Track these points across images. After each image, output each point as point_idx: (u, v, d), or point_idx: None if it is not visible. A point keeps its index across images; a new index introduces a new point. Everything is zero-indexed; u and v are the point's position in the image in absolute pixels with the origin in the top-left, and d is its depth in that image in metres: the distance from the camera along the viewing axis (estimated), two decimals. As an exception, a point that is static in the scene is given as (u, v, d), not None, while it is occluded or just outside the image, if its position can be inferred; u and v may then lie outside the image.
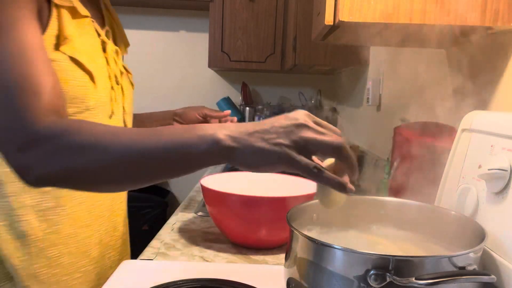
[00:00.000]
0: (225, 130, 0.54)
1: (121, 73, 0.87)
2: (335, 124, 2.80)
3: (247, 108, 2.90)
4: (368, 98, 1.83)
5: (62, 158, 0.56)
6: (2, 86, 0.59)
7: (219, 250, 0.92)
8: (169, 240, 0.97)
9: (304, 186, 1.00)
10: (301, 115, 0.55)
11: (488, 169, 0.62)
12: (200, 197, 1.35)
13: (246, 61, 2.73)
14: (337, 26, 0.84)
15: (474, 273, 0.52)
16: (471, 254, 0.53)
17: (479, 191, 0.66)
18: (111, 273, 0.79)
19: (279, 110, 2.96)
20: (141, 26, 3.01)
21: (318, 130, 0.54)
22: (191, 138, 0.54)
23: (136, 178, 0.58)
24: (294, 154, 0.52)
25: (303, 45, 2.12)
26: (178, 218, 1.13)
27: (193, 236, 1.00)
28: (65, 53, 0.71)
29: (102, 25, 0.86)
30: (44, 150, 0.56)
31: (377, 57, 1.84)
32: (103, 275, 0.86)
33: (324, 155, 0.55)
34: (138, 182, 0.58)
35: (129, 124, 0.92)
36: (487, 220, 0.63)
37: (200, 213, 1.17)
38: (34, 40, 0.64)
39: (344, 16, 0.78)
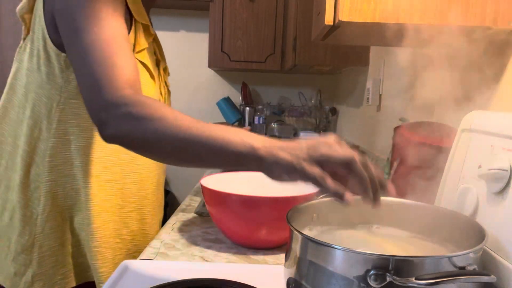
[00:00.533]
0: (264, 142, 0.62)
1: (164, 86, 1.04)
2: (335, 124, 2.80)
3: (247, 108, 2.90)
4: (368, 98, 1.83)
5: (130, 122, 0.68)
6: (98, 60, 0.75)
7: (219, 250, 0.92)
8: (169, 240, 0.97)
9: (301, 187, 1.00)
10: (330, 138, 0.62)
11: (488, 169, 0.62)
12: (200, 197, 1.35)
13: (246, 61, 2.73)
14: (337, 26, 0.84)
15: (474, 273, 0.52)
16: (471, 254, 0.53)
17: (479, 191, 0.66)
18: (143, 249, 0.93)
19: (279, 110, 2.97)
20: (141, 26, 3.01)
21: (337, 148, 0.60)
22: (236, 139, 0.63)
23: (180, 157, 0.69)
24: (304, 164, 0.59)
25: (303, 45, 2.12)
26: (178, 218, 1.13)
27: (193, 236, 1.00)
28: (138, 59, 0.90)
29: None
30: (118, 113, 0.69)
31: (377, 57, 1.84)
32: (138, 248, 0.99)
33: (334, 168, 0.60)
34: (181, 161, 0.70)
35: None
36: (487, 220, 0.63)
37: (200, 213, 1.17)
38: (123, 31, 0.79)
39: (344, 16, 0.78)
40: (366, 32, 0.90)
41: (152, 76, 0.95)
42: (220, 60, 2.72)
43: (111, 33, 0.77)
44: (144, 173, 0.98)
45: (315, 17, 1.06)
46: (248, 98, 3.00)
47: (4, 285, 0.91)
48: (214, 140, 0.64)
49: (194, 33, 3.07)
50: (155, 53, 1.02)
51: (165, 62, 1.11)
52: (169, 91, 1.11)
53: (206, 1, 2.70)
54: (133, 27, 0.90)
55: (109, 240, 0.93)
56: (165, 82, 1.06)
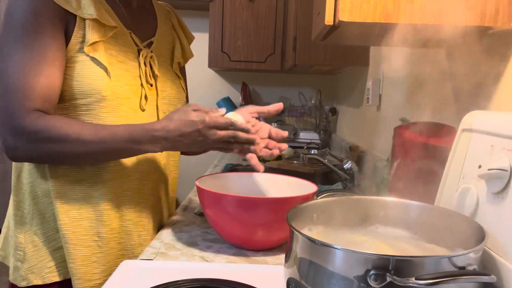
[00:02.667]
0: (160, 144, 0.89)
1: (156, 76, 1.05)
2: (335, 124, 2.80)
3: (247, 108, 2.90)
4: (368, 98, 1.83)
5: (37, 147, 0.87)
6: (7, 87, 0.86)
7: (219, 250, 0.92)
8: (169, 240, 0.97)
9: (302, 187, 0.99)
10: (203, 132, 0.88)
11: (488, 169, 0.62)
12: (200, 197, 1.35)
13: (246, 61, 2.73)
14: (337, 26, 0.84)
15: (474, 273, 0.52)
16: (471, 254, 0.53)
17: (479, 191, 0.66)
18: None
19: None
20: (141, 26, 3.01)
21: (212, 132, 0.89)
22: (136, 147, 0.89)
23: (89, 160, 0.93)
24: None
25: (303, 45, 2.12)
26: (178, 218, 1.13)
27: (193, 236, 1.00)
28: (88, 54, 0.91)
29: (149, 37, 1.07)
30: (26, 139, 0.86)
31: (377, 57, 1.84)
32: (126, 247, 1.02)
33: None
34: (94, 162, 0.95)
35: (153, 118, 1.06)
36: (487, 220, 0.63)
37: (200, 213, 1.17)
38: (48, 54, 0.87)
39: (344, 16, 0.78)
40: (366, 32, 0.90)
41: (105, 69, 0.92)
42: (220, 60, 2.72)
43: (37, 57, 0.86)
44: (118, 171, 0.98)
45: (315, 17, 1.06)
46: (248, 98, 3.00)
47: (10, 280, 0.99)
48: (116, 144, 0.88)
49: (194, 33, 3.05)
50: (135, 44, 1.01)
51: (184, 54, 1.17)
52: (180, 79, 1.14)
53: (206, 1, 2.70)
54: (78, 25, 0.91)
55: (82, 238, 0.95)
56: (153, 72, 1.05)
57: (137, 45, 1.02)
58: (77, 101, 0.91)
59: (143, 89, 1.00)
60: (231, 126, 0.89)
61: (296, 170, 1.59)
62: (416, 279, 0.48)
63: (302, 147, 2.39)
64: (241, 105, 2.95)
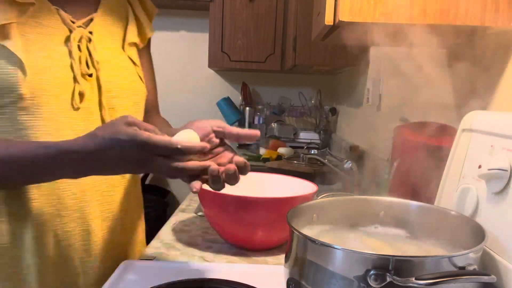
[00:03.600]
0: (92, 173, 0.68)
1: (97, 63, 0.82)
2: (335, 124, 2.80)
3: (247, 108, 2.90)
4: (368, 98, 1.83)
5: None
6: None
7: (219, 250, 0.92)
8: (169, 240, 0.97)
9: (301, 187, 0.99)
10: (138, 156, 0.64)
11: (488, 169, 0.62)
12: (200, 197, 1.35)
13: (246, 61, 2.73)
14: (337, 26, 0.84)
15: (474, 273, 0.52)
16: (471, 254, 0.53)
17: (479, 191, 0.66)
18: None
19: (279, 110, 2.96)
20: (141, 26, 3.01)
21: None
22: (65, 174, 0.70)
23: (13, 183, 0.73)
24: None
25: (303, 45, 2.12)
26: (178, 218, 1.13)
27: (193, 236, 1.00)
28: None
29: (88, 12, 0.84)
30: None
31: (377, 57, 1.84)
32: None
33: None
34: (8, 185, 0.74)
35: (103, 116, 0.84)
36: (487, 220, 0.63)
37: (200, 213, 1.17)
38: None
39: (344, 16, 0.78)
40: (366, 32, 0.90)
41: (18, 61, 0.72)
42: (220, 60, 2.72)
43: None
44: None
45: (315, 17, 1.06)
46: (248, 98, 3.00)
47: None
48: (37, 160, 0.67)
49: (194, 33, 3.07)
50: (65, 23, 0.80)
51: (140, 35, 0.94)
52: (136, 66, 0.91)
53: (206, 1, 2.70)
54: None
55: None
56: (92, 59, 0.82)
57: (67, 25, 0.80)
58: None
59: (76, 83, 0.78)
60: (170, 146, 0.63)
61: (296, 170, 1.60)
62: (416, 279, 0.48)
63: (302, 147, 2.39)
64: (241, 105, 2.96)
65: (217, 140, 0.74)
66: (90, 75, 0.81)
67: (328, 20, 0.82)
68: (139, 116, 0.91)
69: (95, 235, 0.83)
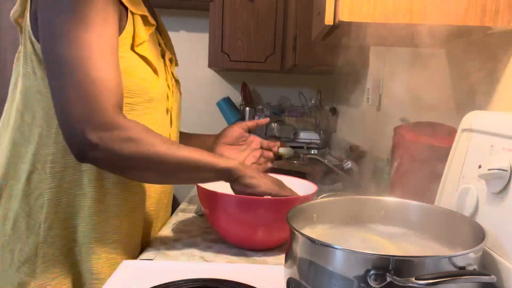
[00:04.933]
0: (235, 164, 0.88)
1: (171, 78, 1.01)
2: (335, 124, 2.80)
3: (247, 108, 2.90)
4: (368, 98, 1.83)
5: (126, 145, 0.76)
6: (86, 77, 0.74)
7: (219, 250, 0.92)
8: (169, 240, 0.97)
9: (301, 187, 0.99)
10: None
11: (488, 169, 0.62)
12: (200, 197, 1.35)
13: (246, 61, 2.72)
14: (337, 26, 0.84)
15: (474, 273, 0.52)
16: (471, 254, 0.53)
17: (479, 191, 0.66)
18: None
19: (279, 110, 2.96)
20: (141, 26, 3.01)
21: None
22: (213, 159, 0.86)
23: (166, 181, 0.94)
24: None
25: (303, 45, 2.12)
26: (178, 218, 1.13)
27: (193, 236, 1.00)
28: (138, 53, 0.86)
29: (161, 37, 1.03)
30: (116, 134, 0.75)
31: (377, 57, 1.84)
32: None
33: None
34: (166, 183, 0.99)
35: (175, 122, 1.03)
36: (487, 220, 0.63)
37: (200, 213, 1.17)
38: (113, 41, 0.79)
39: (344, 16, 0.78)
40: (366, 32, 0.90)
41: (155, 70, 0.90)
42: (220, 60, 2.72)
43: (105, 45, 0.77)
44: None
45: (315, 17, 1.06)
46: (248, 98, 3.00)
47: None
48: (198, 162, 0.83)
49: (194, 33, 3.07)
50: (159, 44, 0.99)
51: (173, 52, 1.09)
52: (178, 82, 1.09)
53: (206, 1, 2.70)
54: (129, 20, 0.85)
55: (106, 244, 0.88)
56: (172, 73, 1.03)
57: (160, 45, 0.98)
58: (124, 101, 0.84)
59: (169, 90, 0.97)
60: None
61: (296, 170, 1.60)
62: (416, 279, 0.48)
63: (302, 147, 2.39)
64: (241, 105, 2.95)
65: (247, 134, 1.14)
66: (169, 87, 0.99)
67: (328, 20, 0.82)
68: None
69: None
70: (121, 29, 0.83)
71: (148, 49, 0.89)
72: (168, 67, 1.00)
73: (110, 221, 0.87)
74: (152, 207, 0.98)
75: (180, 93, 1.11)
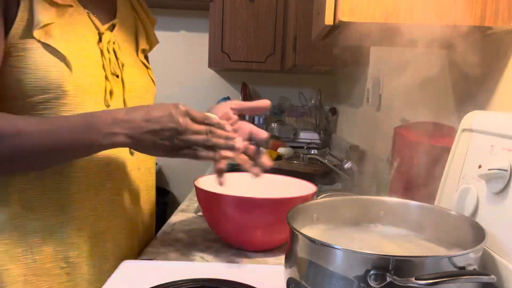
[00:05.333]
0: (122, 129, 0.71)
1: (122, 65, 0.88)
2: (335, 124, 2.80)
3: (247, 108, 2.90)
4: (368, 98, 1.83)
5: None
6: None
7: (219, 250, 0.92)
8: (169, 240, 0.97)
9: (302, 187, 0.99)
10: (175, 117, 0.72)
11: (488, 169, 0.62)
12: (200, 197, 1.35)
13: (246, 61, 2.73)
14: (337, 26, 0.84)
15: (474, 273, 0.52)
16: (471, 254, 0.53)
17: (479, 191, 0.66)
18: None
19: (279, 110, 2.96)
20: (141, 26, 3.01)
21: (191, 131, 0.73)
22: (94, 135, 0.71)
23: (42, 163, 0.76)
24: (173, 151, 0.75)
25: (303, 45, 2.12)
26: (178, 218, 1.13)
27: (193, 236, 1.00)
28: (39, 40, 0.75)
29: (110, 18, 0.91)
30: None
31: (377, 57, 1.84)
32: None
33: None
34: (44, 166, 0.78)
35: None
36: (487, 220, 0.63)
37: (200, 213, 1.17)
38: None
39: (344, 16, 0.78)
40: (366, 32, 0.90)
41: (62, 58, 0.77)
42: (220, 60, 2.72)
43: None
44: (86, 182, 0.83)
45: (315, 17, 1.06)
46: (248, 98, 3.00)
47: None
48: (78, 143, 0.72)
49: (194, 33, 3.07)
50: (97, 28, 0.85)
51: (148, 40, 1.00)
52: (147, 68, 0.98)
53: (206, 1, 2.70)
54: (23, 6, 0.75)
55: (46, 266, 0.80)
56: (118, 63, 0.87)
57: (97, 28, 0.85)
58: (31, 99, 0.76)
59: (107, 81, 0.83)
60: (206, 120, 0.75)
61: (296, 170, 1.60)
62: (416, 279, 0.48)
63: (302, 147, 2.39)
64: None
65: (235, 117, 0.90)
66: (117, 76, 0.87)
67: (328, 20, 0.82)
68: None
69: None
70: (10, 18, 0.75)
71: (59, 35, 0.77)
72: (112, 54, 0.86)
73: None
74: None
75: (153, 81, 1.00)
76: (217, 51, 2.71)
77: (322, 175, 1.55)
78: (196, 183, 0.94)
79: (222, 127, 0.75)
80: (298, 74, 3.09)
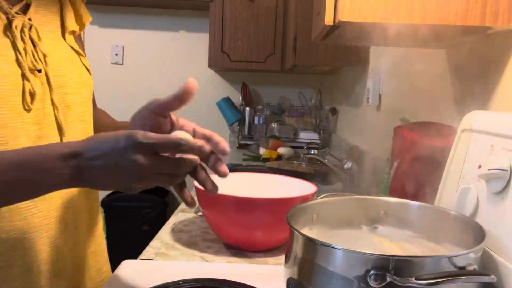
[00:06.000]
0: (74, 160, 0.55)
1: (44, 56, 0.68)
2: (335, 124, 2.80)
3: (247, 108, 2.90)
4: (368, 98, 1.83)
5: None
6: None
7: (219, 250, 0.92)
8: (169, 240, 0.97)
9: (302, 187, 0.99)
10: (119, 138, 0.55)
11: (488, 169, 0.62)
12: (200, 197, 1.35)
13: (246, 61, 2.73)
14: (337, 26, 0.84)
15: (474, 273, 0.52)
16: (471, 254, 0.53)
17: (479, 191, 0.66)
18: None
19: (279, 110, 2.96)
20: (141, 26, 3.01)
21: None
22: (44, 171, 0.55)
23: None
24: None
25: (303, 45, 2.11)
26: (178, 218, 1.13)
27: (193, 236, 1.00)
28: None
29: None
30: None
31: (377, 57, 1.84)
32: None
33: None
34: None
35: (68, 123, 0.72)
36: (487, 220, 0.63)
37: (200, 213, 1.17)
38: None
39: (344, 16, 0.78)
40: (366, 32, 0.90)
41: None
42: (220, 60, 2.72)
43: None
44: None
45: (315, 17, 1.06)
46: (248, 98, 3.00)
47: None
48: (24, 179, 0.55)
49: (194, 33, 3.07)
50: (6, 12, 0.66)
51: (77, 20, 0.80)
52: (80, 56, 0.78)
53: (206, 1, 2.70)
54: None
55: None
56: (36, 51, 0.68)
57: (5, 12, 0.65)
58: None
59: (25, 80, 0.65)
60: (178, 147, 0.56)
61: (296, 170, 1.60)
62: (416, 279, 0.48)
63: (302, 147, 2.39)
64: (241, 105, 2.95)
65: (165, 121, 0.69)
66: (39, 71, 0.67)
67: (328, 20, 0.82)
68: (90, 112, 0.80)
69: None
70: None
71: None
72: (29, 43, 0.67)
73: None
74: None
75: (89, 70, 0.80)
76: (217, 51, 2.71)
77: (322, 175, 1.55)
78: (196, 183, 0.94)
79: (203, 151, 0.58)
80: (298, 74, 3.09)
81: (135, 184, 0.56)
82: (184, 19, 3.05)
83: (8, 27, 0.65)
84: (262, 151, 2.48)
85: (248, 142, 2.78)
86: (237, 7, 2.68)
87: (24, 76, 0.65)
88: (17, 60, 0.65)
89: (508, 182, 0.61)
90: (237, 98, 3.04)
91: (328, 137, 2.76)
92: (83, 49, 0.83)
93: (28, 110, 0.66)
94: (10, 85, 0.63)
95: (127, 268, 0.80)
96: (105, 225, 2.57)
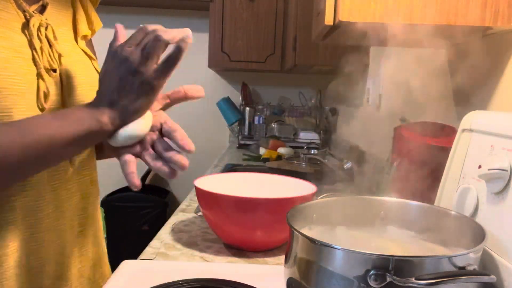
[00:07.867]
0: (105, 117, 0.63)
1: (59, 56, 0.70)
2: (335, 124, 2.80)
3: (247, 108, 2.90)
4: (368, 98, 1.83)
5: None
6: None
7: (219, 250, 0.92)
8: (169, 240, 0.97)
9: (302, 187, 0.99)
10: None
11: (488, 169, 0.62)
12: (200, 197, 1.35)
13: (246, 61, 2.73)
14: (337, 26, 0.84)
15: (474, 273, 0.52)
16: (471, 254, 0.53)
17: (479, 191, 0.66)
18: None
19: (279, 110, 2.96)
20: (141, 26, 3.01)
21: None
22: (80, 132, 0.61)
23: (28, 168, 0.61)
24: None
25: (303, 45, 2.12)
26: (178, 218, 1.13)
27: (193, 236, 1.00)
28: None
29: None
30: None
31: (377, 57, 1.84)
32: None
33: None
34: (31, 171, 0.63)
35: None
36: (487, 220, 0.63)
37: (200, 213, 1.17)
38: None
39: (344, 16, 0.78)
40: (366, 32, 0.90)
41: None
42: (220, 60, 2.72)
43: None
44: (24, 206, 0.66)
45: (315, 17, 1.06)
46: (248, 98, 3.00)
47: None
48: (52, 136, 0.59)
49: (194, 33, 3.04)
50: (25, 11, 0.67)
51: (89, 24, 0.82)
52: (92, 59, 0.80)
53: (206, 1, 2.70)
54: None
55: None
56: (53, 54, 0.69)
57: (23, 10, 0.66)
58: None
59: (40, 79, 0.66)
60: (140, 29, 0.68)
61: (296, 170, 1.60)
62: (416, 279, 0.48)
63: (302, 147, 2.39)
64: (241, 105, 2.95)
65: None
66: (54, 70, 0.68)
67: (328, 20, 0.82)
68: None
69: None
70: None
71: None
72: (45, 42, 0.68)
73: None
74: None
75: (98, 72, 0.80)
76: (217, 51, 2.71)
77: (322, 175, 1.55)
78: (196, 183, 0.94)
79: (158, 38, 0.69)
80: (298, 74, 3.09)
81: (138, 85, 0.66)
82: (184, 19, 3.05)
83: (26, 25, 0.66)
84: (262, 151, 2.49)
85: (248, 142, 2.78)
86: (237, 7, 2.68)
87: (39, 75, 0.66)
88: (33, 59, 0.66)
89: (508, 182, 0.61)
90: (237, 98, 3.04)
91: (328, 137, 2.76)
92: (94, 54, 0.86)
93: (42, 110, 0.67)
94: (26, 83, 0.64)
95: (127, 268, 0.79)
96: (105, 225, 2.57)
